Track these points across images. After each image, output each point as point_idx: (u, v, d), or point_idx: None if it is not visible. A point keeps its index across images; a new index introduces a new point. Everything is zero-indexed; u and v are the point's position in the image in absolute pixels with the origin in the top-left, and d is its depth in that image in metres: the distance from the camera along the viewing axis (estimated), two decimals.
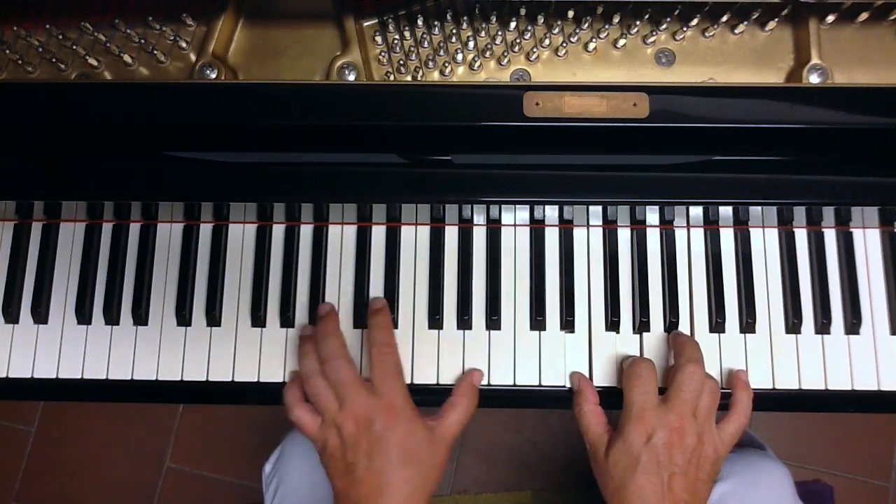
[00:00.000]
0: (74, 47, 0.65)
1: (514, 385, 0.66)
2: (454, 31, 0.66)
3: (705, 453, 0.58)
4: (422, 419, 0.60)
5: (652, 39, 0.66)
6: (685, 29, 0.65)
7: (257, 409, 1.37)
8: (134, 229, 0.69)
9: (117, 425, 1.40)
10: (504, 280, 0.67)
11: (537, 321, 0.66)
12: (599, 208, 0.67)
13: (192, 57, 0.66)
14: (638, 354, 0.66)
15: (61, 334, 0.68)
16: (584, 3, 0.65)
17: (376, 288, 0.68)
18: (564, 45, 0.66)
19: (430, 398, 0.66)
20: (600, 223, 0.69)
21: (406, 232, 0.69)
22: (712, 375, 0.61)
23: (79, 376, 0.67)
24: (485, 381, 0.66)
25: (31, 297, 0.68)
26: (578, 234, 0.68)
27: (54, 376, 0.67)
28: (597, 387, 0.65)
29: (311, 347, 0.62)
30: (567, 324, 0.66)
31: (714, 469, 0.59)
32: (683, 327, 0.66)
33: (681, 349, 0.62)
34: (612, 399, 0.64)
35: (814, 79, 0.64)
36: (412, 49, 0.66)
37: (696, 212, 0.67)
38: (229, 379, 0.66)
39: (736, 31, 0.66)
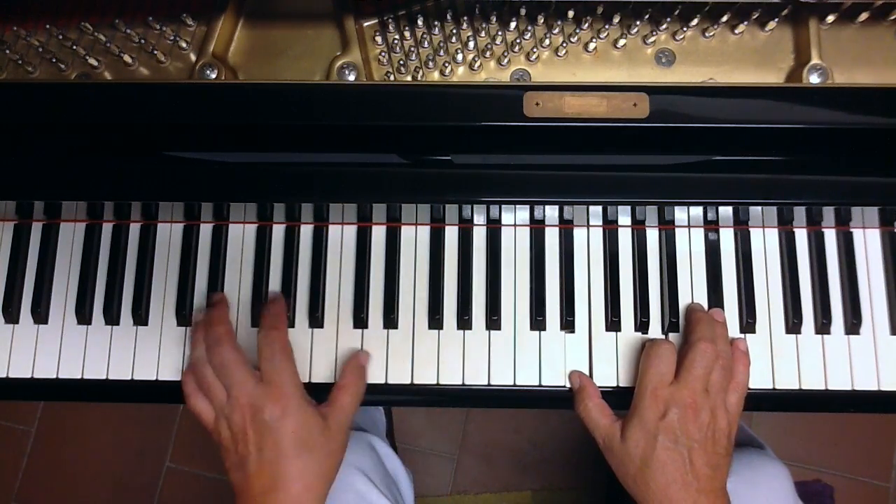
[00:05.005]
0: (74, 47, 0.65)
1: (514, 385, 0.66)
2: (454, 31, 0.66)
3: (719, 427, 0.59)
4: (313, 405, 0.59)
5: (652, 39, 0.66)
6: (685, 29, 0.65)
7: None
8: (134, 229, 0.69)
9: (117, 425, 1.40)
10: (504, 280, 0.67)
11: (537, 321, 0.66)
12: (599, 208, 0.67)
13: (192, 57, 0.66)
14: (637, 354, 0.66)
15: (61, 334, 0.68)
16: (584, 3, 0.65)
17: (376, 288, 0.68)
18: (564, 45, 0.66)
19: (430, 398, 0.66)
20: (600, 223, 0.69)
21: (406, 232, 0.69)
22: (726, 350, 0.62)
23: (79, 376, 0.67)
24: (484, 381, 0.66)
25: (31, 297, 0.68)
26: (578, 234, 0.68)
27: (54, 376, 0.67)
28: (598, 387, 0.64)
29: (201, 335, 0.61)
30: (567, 324, 0.66)
31: (729, 442, 0.60)
32: (683, 327, 0.66)
33: (695, 326, 0.62)
34: (614, 399, 0.64)
35: (814, 79, 0.64)
36: (412, 49, 0.66)
37: (696, 212, 0.67)
38: None
39: (736, 31, 0.66)
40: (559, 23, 0.65)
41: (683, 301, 0.67)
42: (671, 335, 0.67)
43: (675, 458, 0.57)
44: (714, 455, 0.58)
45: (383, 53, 0.66)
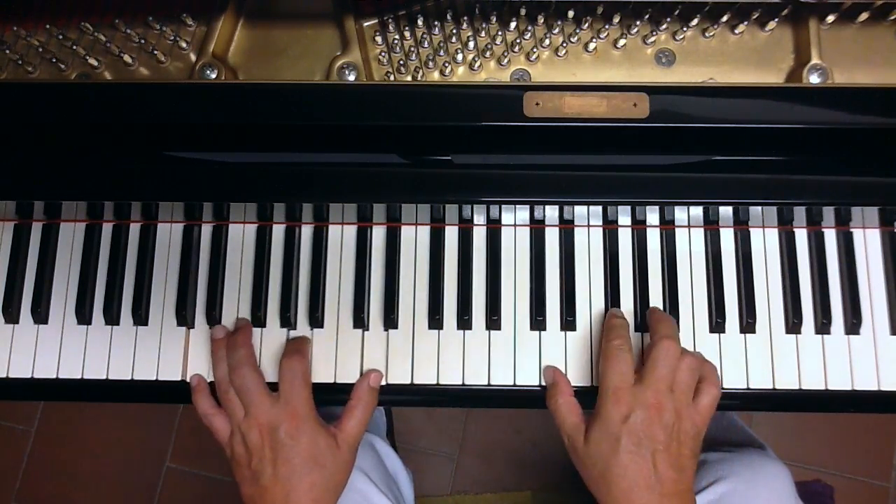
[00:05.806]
0: (74, 47, 0.65)
1: (514, 385, 0.66)
2: (454, 31, 0.66)
3: (684, 428, 0.57)
4: (325, 426, 0.62)
5: (652, 39, 0.66)
6: (685, 29, 0.65)
7: None
8: (134, 229, 0.69)
9: (117, 425, 1.40)
10: (504, 280, 0.67)
11: (537, 321, 0.66)
12: (599, 208, 0.67)
13: (192, 57, 0.66)
14: (639, 353, 0.66)
15: (61, 334, 0.68)
16: (584, 3, 0.65)
17: (376, 288, 0.68)
18: (564, 45, 0.66)
19: (430, 398, 0.66)
20: (600, 223, 0.69)
21: (406, 232, 0.69)
22: (691, 352, 0.61)
23: (79, 376, 0.67)
24: (484, 381, 0.66)
25: (31, 297, 0.68)
26: (578, 234, 0.68)
27: (54, 376, 0.67)
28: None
29: (224, 354, 0.64)
30: (567, 324, 0.66)
31: (696, 444, 0.58)
32: (683, 327, 0.66)
33: (656, 325, 0.62)
34: None
35: (814, 79, 0.64)
36: (412, 49, 0.66)
37: (696, 212, 0.67)
38: None
39: (736, 31, 0.66)
40: (559, 23, 0.65)
41: (684, 301, 0.67)
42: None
43: (638, 461, 0.56)
44: (679, 457, 0.57)
45: (383, 53, 0.66)
